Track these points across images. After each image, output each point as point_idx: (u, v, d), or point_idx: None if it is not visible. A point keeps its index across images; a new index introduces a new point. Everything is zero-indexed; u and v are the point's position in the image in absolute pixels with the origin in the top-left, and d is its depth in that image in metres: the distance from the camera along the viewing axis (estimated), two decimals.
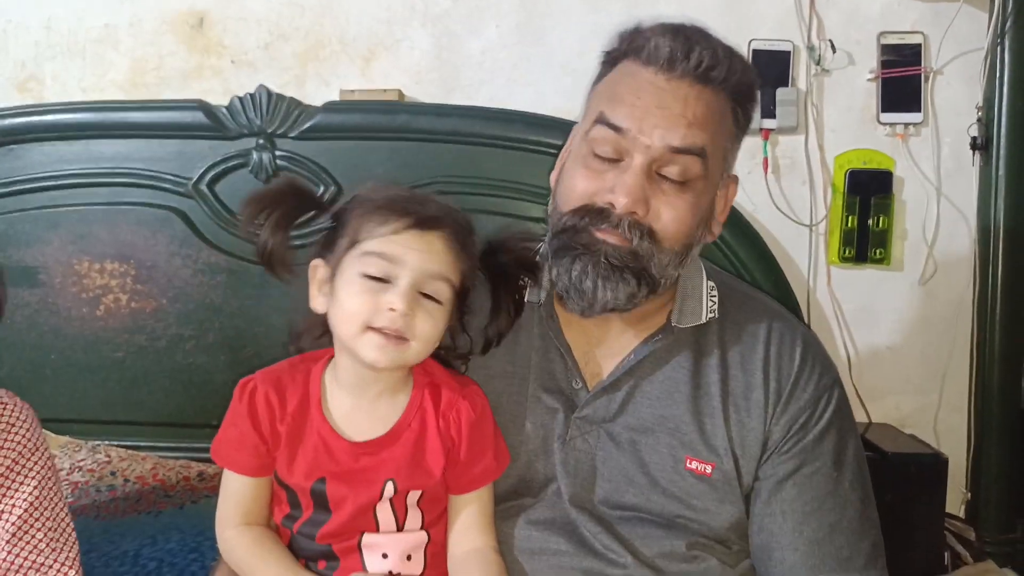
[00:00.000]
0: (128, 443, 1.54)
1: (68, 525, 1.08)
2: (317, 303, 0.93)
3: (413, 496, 0.93)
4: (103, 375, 1.58)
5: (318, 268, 0.93)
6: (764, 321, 1.02)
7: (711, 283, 1.04)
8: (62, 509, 1.08)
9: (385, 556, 0.92)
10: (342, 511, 0.91)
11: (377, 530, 0.92)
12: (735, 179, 1.02)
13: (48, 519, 1.05)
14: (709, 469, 0.97)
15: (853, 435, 1.01)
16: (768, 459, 0.98)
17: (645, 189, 0.92)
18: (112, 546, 1.29)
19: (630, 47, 0.95)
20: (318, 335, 0.97)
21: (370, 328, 0.88)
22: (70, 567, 1.05)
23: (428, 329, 0.90)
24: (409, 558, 0.93)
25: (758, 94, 0.99)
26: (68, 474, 1.45)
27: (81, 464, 1.47)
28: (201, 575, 1.22)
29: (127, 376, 1.58)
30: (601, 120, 0.93)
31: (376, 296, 0.88)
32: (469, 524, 0.95)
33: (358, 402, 0.94)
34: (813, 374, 1.00)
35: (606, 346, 1.01)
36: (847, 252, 1.63)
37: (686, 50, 0.92)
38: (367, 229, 0.89)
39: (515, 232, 0.99)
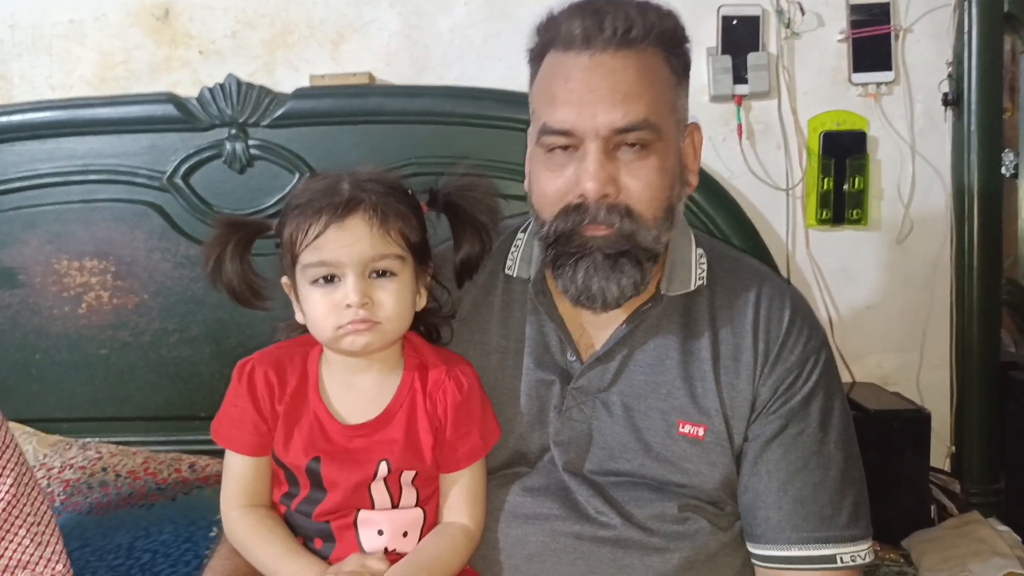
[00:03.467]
0: (118, 439, 1.55)
1: (50, 520, 1.08)
2: (298, 316, 0.97)
3: (407, 475, 0.95)
4: (89, 372, 1.59)
5: (287, 284, 0.97)
6: (753, 285, 1.03)
7: (700, 250, 1.05)
8: (42, 503, 1.08)
9: (381, 533, 0.94)
10: (336, 490, 0.93)
11: (372, 507, 0.94)
12: (696, 126, 1.02)
13: (29, 515, 1.05)
14: (701, 432, 0.98)
15: (840, 397, 1.02)
16: (756, 420, 0.99)
17: (607, 169, 0.93)
18: (105, 540, 1.30)
19: (548, 38, 0.96)
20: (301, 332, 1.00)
21: (339, 328, 0.91)
22: (58, 561, 1.06)
23: (392, 304, 0.92)
24: (405, 535, 0.95)
25: (684, 32, 0.98)
26: (59, 472, 1.45)
27: (72, 462, 1.48)
28: (195, 564, 1.23)
29: (113, 372, 1.59)
30: (545, 131, 0.95)
31: (331, 297, 0.91)
32: (455, 501, 0.97)
33: (351, 386, 0.96)
34: (801, 336, 1.01)
35: (598, 319, 1.02)
36: (824, 214, 1.63)
37: (598, 22, 0.92)
38: (297, 242, 0.92)
39: (457, 167, 1.02)
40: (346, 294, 0.90)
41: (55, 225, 1.57)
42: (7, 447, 1.06)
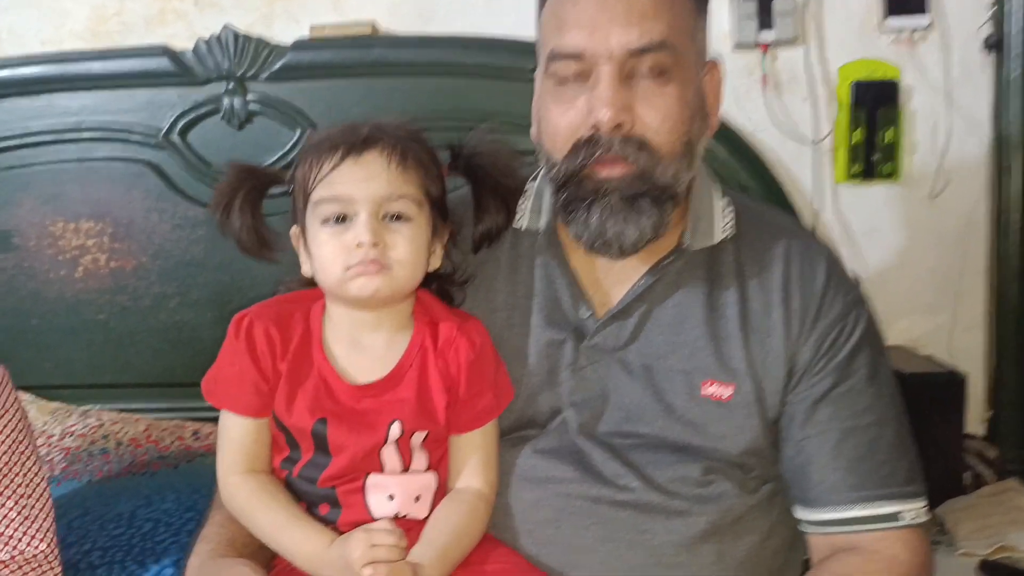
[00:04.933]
0: (119, 406, 1.51)
1: (43, 493, 1.02)
2: (305, 267, 0.91)
3: (418, 437, 0.90)
4: (87, 338, 1.54)
5: (296, 235, 0.91)
6: (783, 239, 0.97)
7: (726, 199, 0.98)
8: (36, 476, 1.02)
9: (392, 497, 0.89)
10: (344, 454, 0.87)
11: (382, 471, 0.89)
12: (716, 64, 0.95)
13: (19, 485, 0.99)
14: (727, 393, 0.92)
15: (884, 353, 0.96)
16: (799, 382, 0.93)
17: (622, 96, 0.86)
18: (106, 508, 1.26)
19: None
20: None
21: (348, 269, 0.86)
22: (41, 539, 0.99)
23: (405, 250, 0.87)
24: (417, 499, 0.90)
25: None
26: (59, 440, 1.42)
27: (72, 429, 1.44)
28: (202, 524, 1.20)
29: (112, 338, 1.54)
30: (554, 56, 0.88)
31: (341, 238, 0.86)
32: (466, 464, 0.92)
33: (358, 344, 0.90)
34: (839, 291, 0.94)
35: (614, 272, 0.95)
36: (854, 169, 1.55)
37: None
38: (311, 178, 0.87)
39: (482, 130, 0.96)
40: (357, 233, 0.85)
41: (49, 186, 1.52)
42: (6, 410, 1.00)
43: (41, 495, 1.02)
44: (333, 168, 0.86)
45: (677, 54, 0.86)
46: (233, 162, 0.93)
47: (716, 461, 0.92)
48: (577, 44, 0.86)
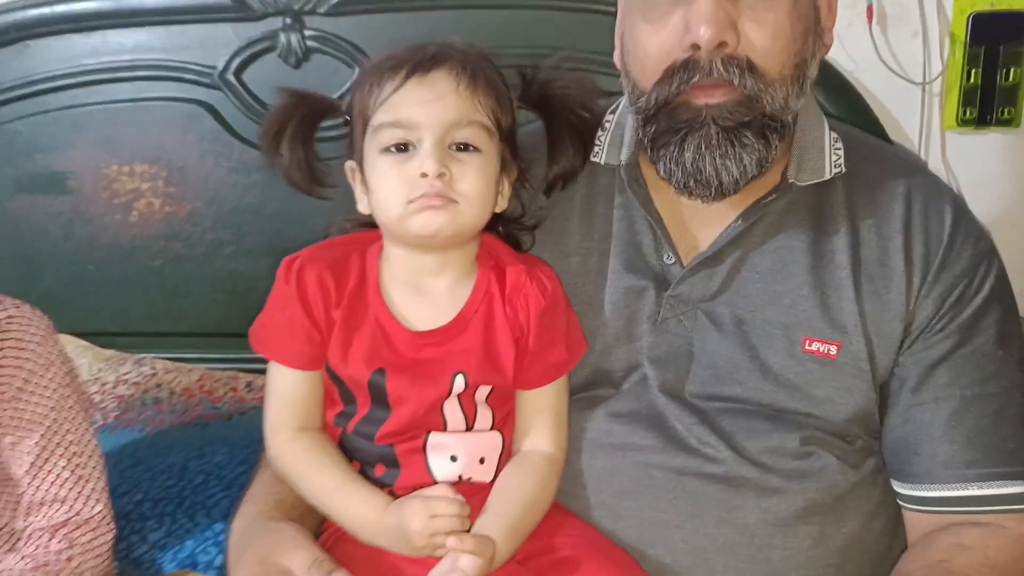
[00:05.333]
0: (174, 355, 1.47)
1: (95, 450, 0.98)
2: (361, 204, 0.84)
3: (482, 392, 0.82)
4: (143, 286, 1.50)
5: (353, 169, 0.84)
6: (903, 176, 0.85)
7: (834, 134, 0.86)
8: (86, 432, 0.97)
9: (454, 459, 0.81)
10: (403, 408, 0.80)
11: (444, 429, 0.81)
12: None
13: (71, 443, 0.95)
14: (834, 350, 0.81)
15: (1015, 313, 0.84)
16: (916, 340, 0.82)
17: (725, 8, 0.75)
18: (159, 459, 1.23)
19: None
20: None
21: (410, 203, 0.77)
22: (96, 500, 0.95)
23: (473, 183, 0.78)
24: (482, 461, 0.82)
25: None
26: (113, 387, 1.39)
27: (126, 378, 1.41)
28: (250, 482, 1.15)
29: (167, 286, 1.50)
30: None
31: (404, 167, 0.77)
32: (534, 423, 0.84)
33: (418, 289, 0.83)
34: (968, 237, 0.83)
35: (705, 212, 0.85)
36: (967, 114, 1.39)
37: None
38: (371, 102, 0.79)
39: (556, 58, 0.87)
40: (421, 162, 0.76)
41: (104, 126, 1.46)
42: (51, 365, 0.95)
43: (92, 453, 0.98)
44: (395, 89, 0.77)
45: None
46: (284, 87, 0.84)
47: (816, 430, 0.82)
48: None
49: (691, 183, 0.80)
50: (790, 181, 0.83)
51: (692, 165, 0.79)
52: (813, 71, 0.82)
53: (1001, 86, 1.37)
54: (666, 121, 0.80)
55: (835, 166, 0.84)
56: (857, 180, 0.85)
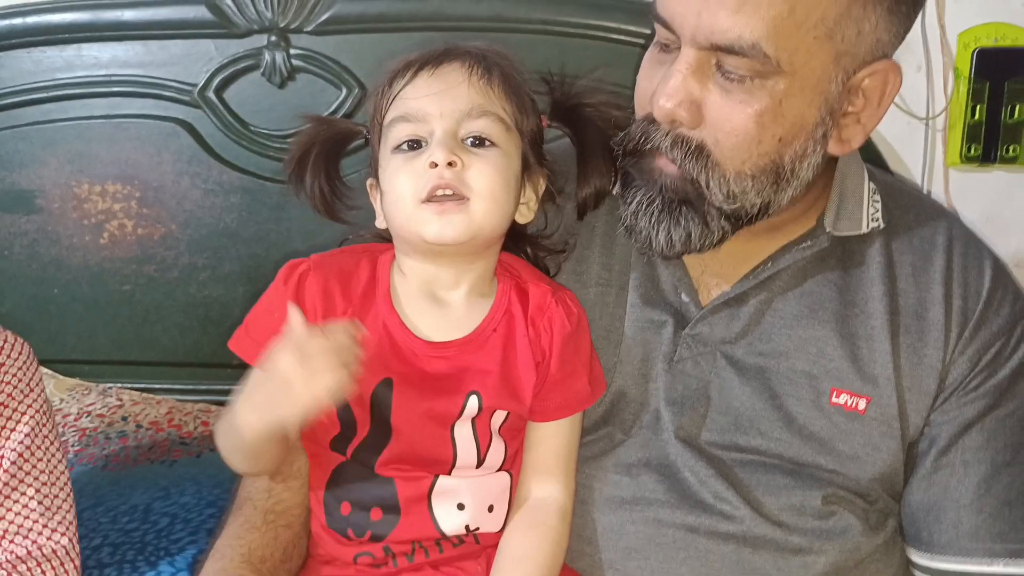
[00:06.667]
0: (142, 385, 1.40)
1: (65, 482, 0.94)
2: (379, 220, 0.79)
3: (498, 418, 0.75)
4: (111, 311, 1.43)
5: (372, 185, 0.80)
6: (942, 227, 0.82)
7: (873, 185, 0.83)
8: (59, 463, 0.94)
9: (461, 507, 0.75)
10: (409, 427, 0.73)
11: (454, 460, 0.75)
12: (891, 67, 0.75)
13: (41, 472, 0.90)
14: (863, 404, 0.77)
15: None
16: (950, 399, 0.78)
17: (689, 88, 0.71)
18: (121, 499, 1.16)
19: None
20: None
21: (421, 204, 0.72)
22: (63, 533, 0.90)
23: (488, 178, 0.72)
24: (491, 509, 0.76)
25: None
26: (75, 420, 1.32)
27: (90, 409, 1.33)
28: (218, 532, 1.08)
29: (137, 311, 1.43)
30: (651, 13, 0.75)
31: (414, 163, 0.72)
32: (546, 462, 0.78)
33: (434, 300, 0.77)
34: (1007, 295, 0.80)
35: (731, 251, 0.80)
36: (971, 150, 1.36)
37: None
38: (383, 103, 0.75)
39: (590, 78, 0.82)
40: (431, 153, 0.71)
41: (76, 143, 1.40)
42: (30, 391, 0.93)
43: (63, 485, 0.94)
44: (405, 84, 0.73)
45: (772, 62, 0.69)
46: (307, 115, 0.81)
47: (840, 488, 0.77)
48: (665, 9, 0.72)
49: (630, 231, 0.79)
50: (827, 230, 0.79)
51: (632, 215, 0.77)
52: (803, 172, 0.75)
53: (1005, 123, 1.34)
54: (631, 165, 0.78)
55: (872, 219, 0.81)
56: (895, 230, 0.82)
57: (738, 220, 0.76)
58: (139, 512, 1.12)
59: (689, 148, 0.73)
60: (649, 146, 0.75)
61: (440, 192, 0.71)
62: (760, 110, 0.71)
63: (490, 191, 0.72)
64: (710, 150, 0.73)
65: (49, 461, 0.92)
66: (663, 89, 0.72)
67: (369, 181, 0.82)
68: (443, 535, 0.75)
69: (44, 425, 0.93)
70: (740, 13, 0.67)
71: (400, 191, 0.73)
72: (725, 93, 0.71)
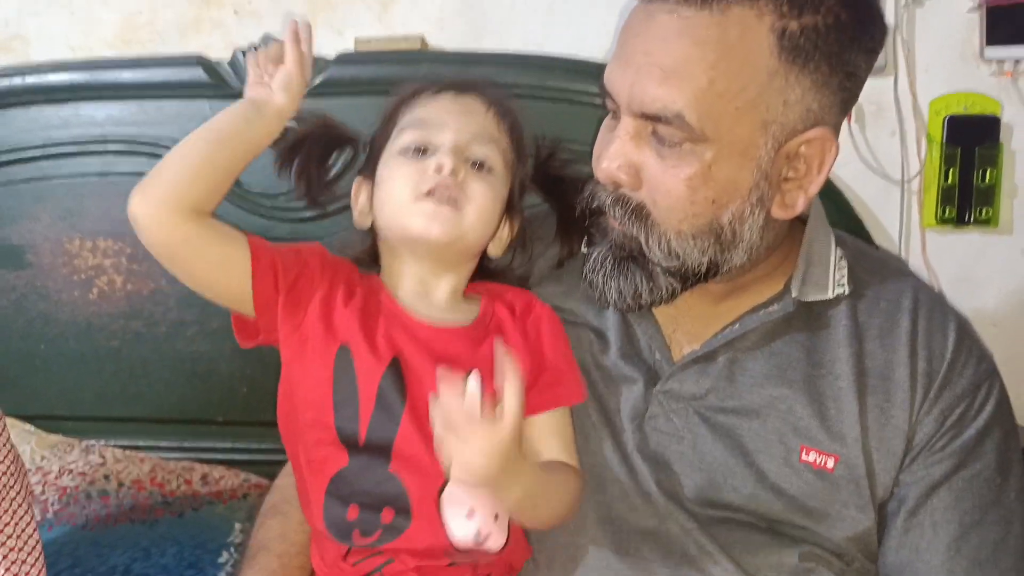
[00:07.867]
0: (125, 442, 1.39)
1: (34, 546, 0.91)
2: (362, 219, 0.84)
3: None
4: (97, 366, 1.42)
5: (360, 184, 0.86)
6: (908, 289, 0.84)
7: (840, 251, 0.85)
8: (27, 526, 0.90)
9: (470, 515, 0.76)
10: (420, 400, 0.73)
11: None
12: (825, 137, 0.76)
13: (8, 537, 0.88)
14: (831, 463, 0.78)
15: (1017, 439, 0.81)
16: (915, 460, 0.79)
17: (628, 153, 0.76)
18: (99, 560, 1.13)
19: None
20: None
21: (417, 198, 0.77)
22: None
23: (483, 197, 0.78)
24: (496, 518, 0.77)
25: None
26: (56, 477, 1.29)
27: (72, 467, 1.31)
28: None
29: (124, 367, 1.42)
30: (599, 85, 0.80)
31: (419, 164, 0.78)
32: (552, 446, 0.79)
33: (427, 293, 0.82)
34: (972, 356, 0.81)
35: (701, 311, 0.83)
36: (946, 213, 1.40)
37: None
38: (402, 109, 0.82)
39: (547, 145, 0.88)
40: (439, 159, 0.77)
41: (68, 200, 1.41)
42: None
43: (33, 548, 0.90)
44: (430, 98, 0.81)
45: (695, 131, 0.72)
46: (313, 113, 0.87)
47: (815, 546, 0.78)
48: (608, 80, 0.77)
49: (591, 287, 0.82)
50: (794, 296, 0.81)
51: (589, 269, 0.81)
52: (746, 233, 0.77)
53: (978, 186, 1.39)
54: (593, 225, 0.82)
55: (839, 285, 0.83)
56: (861, 293, 0.84)
57: (685, 277, 0.79)
58: (118, 573, 1.10)
59: (629, 208, 0.78)
60: (595, 204, 0.80)
61: (439, 192, 0.77)
62: (691, 174, 0.74)
63: (482, 205, 0.79)
64: (649, 210, 0.77)
65: (17, 525, 0.89)
66: (605, 153, 0.78)
67: (358, 179, 0.87)
68: (454, 546, 0.75)
69: (12, 487, 0.90)
70: (664, 85, 0.72)
71: (400, 185, 0.79)
72: (660, 158, 0.75)
